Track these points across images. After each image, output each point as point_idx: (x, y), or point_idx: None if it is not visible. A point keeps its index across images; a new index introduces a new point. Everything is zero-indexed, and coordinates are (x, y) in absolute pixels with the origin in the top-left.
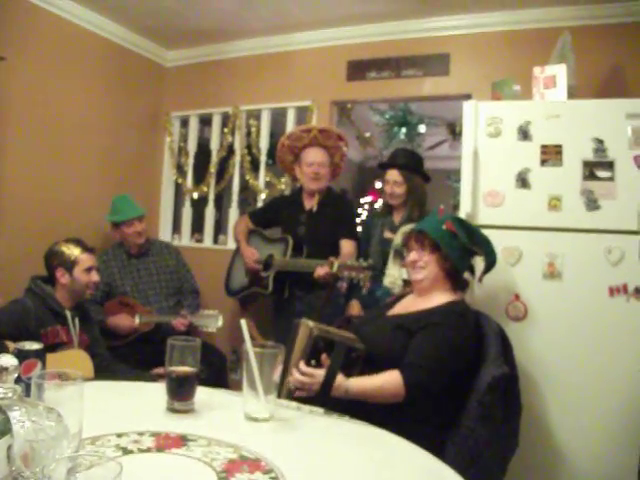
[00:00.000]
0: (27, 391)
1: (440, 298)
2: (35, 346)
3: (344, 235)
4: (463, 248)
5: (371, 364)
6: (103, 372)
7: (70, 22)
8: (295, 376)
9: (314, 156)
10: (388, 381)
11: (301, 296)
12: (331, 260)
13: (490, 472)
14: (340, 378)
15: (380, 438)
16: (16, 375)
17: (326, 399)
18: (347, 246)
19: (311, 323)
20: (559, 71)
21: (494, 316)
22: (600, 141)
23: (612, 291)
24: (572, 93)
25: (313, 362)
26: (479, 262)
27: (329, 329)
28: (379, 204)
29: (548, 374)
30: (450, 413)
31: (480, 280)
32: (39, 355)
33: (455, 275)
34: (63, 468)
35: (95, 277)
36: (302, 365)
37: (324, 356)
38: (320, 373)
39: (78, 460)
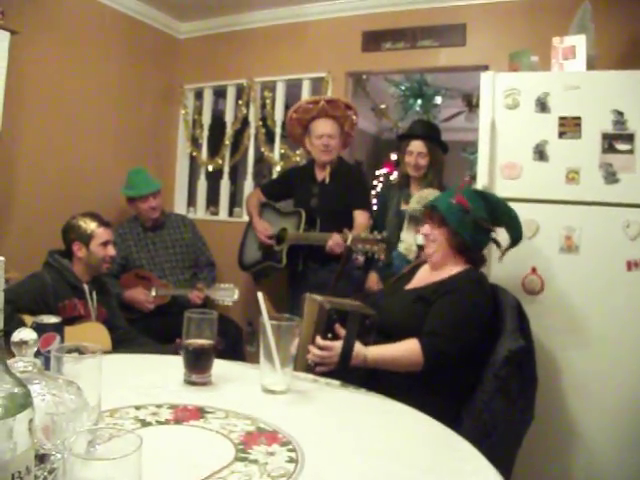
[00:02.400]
0: (46, 364)
1: (455, 269)
2: (53, 320)
3: (357, 206)
4: (475, 224)
5: (391, 337)
6: (129, 345)
7: None
8: (314, 352)
9: (323, 128)
10: (407, 349)
11: (315, 269)
12: (345, 232)
13: (505, 445)
14: (358, 346)
15: (396, 411)
16: (35, 349)
17: (346, 370)
18: (361, 217)
19: (319, 297)
20: (579, 41)
21: (510, 289)
22: (620, 113)
23: (630, 265)
24: (591, 64)
25: (330, 335)
26: (504, 236)
27: (338, 300)
28: (394, 176)
29: (564, 348)
30: (466, 386)
31: (500, 258)
32: (57, 328)
33: (467, 251)
34: (83, 440)
35: (111, 251)
36: (319, 339)
37: (338, 326)
38: (338, 345)
39: (98, 432)
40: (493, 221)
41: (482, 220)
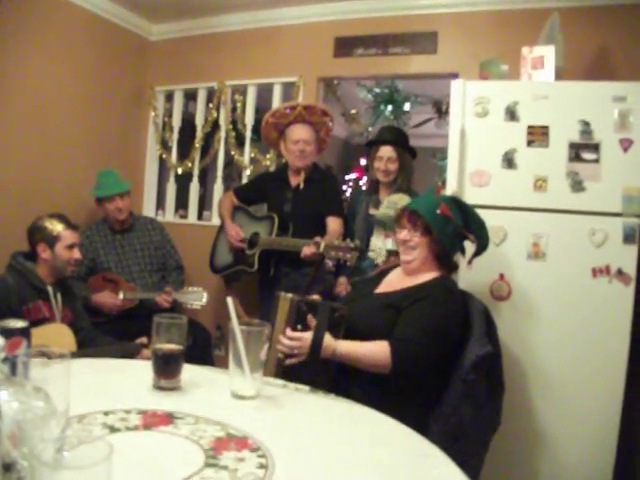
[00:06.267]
0: (12, 369)
1: (428, 276)
2: (20, 324)
3: (331, 212)
4: (455, 233)
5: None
6: (90, 346)
7: None
8: (284, 342)
9: (299, 133)
10: (376, 350)
11: (287, 273)
12: (317, 240)
13: (473, 449)
14: (328, 338)
15: (365, 416)
16: (3, 355)
17: (316, 361)
18: (334, 224)
19: (290, 295)
20: (547, 52)
21: (478, 295)
22: (587, 123)
23: (595, 272)
24: (560, 74)
25: (299, 327)
26: (469, 244)
27: (309, 298)
28: (364, 181)
29: (531, 353)
30: (434, 391)
31: (469, 263)
32: (24, 333)
33: (444, 258)
34: (52, 448)
35: (77, 254)
36: (289, 331)
37: (309, 317)
38: (308, 335)
39: (67, 440)
40: (466, 229)
41: (460, 228)
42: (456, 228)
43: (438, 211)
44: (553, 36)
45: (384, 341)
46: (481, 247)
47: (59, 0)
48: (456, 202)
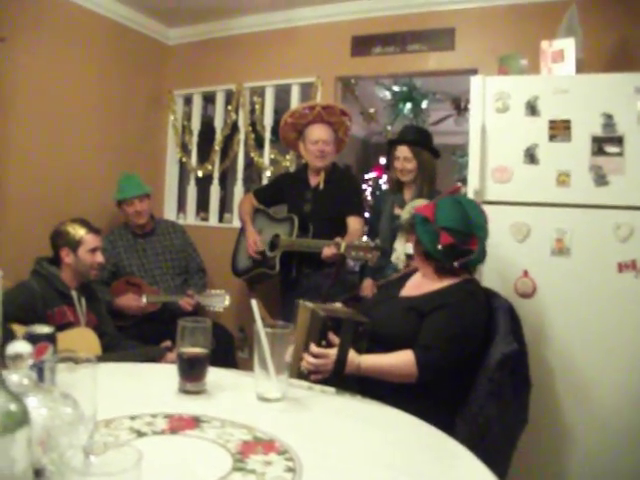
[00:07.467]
0: (39, 375)
1: (448, 280)
2: (46, 329)
3: (351, 212)
4: (438, 234)
5: (382, 346)
6: (114, 350)
7: (70, 1)
8: (309, 360)
9: (319, 133)
10: (401, 360)
11: (309, 274)
12: (338, 240)
13: (500, 448)
14: (352, 354)
15: (391, 417)
16: (31, 361)
17: (340, 377)
18: (354, 223)
19: (310, 304)
20: (567, 45)
21: (502, 292)
22: (609, 116)
23: (621, 267)
24: (580, 67)
25: (324, 343)
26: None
27: (329, 307)
28: (383, 180)
29: (556, 351)
30: (460, 391)
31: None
32: (50, 338)
33: (431, 260)
34: (81, 454)
35: (99, 258)
36: (314, 347)
37: (332, 334)
38: (333, 352)
39: (95, 445)
40: (469, 232)
41: (447, 230)
42: (440, 230)
43: (439, 246)
44: (572, 28)
45: (407, 350)
46: (476, 257)
47: (78, 8)
48: (455, 203)
